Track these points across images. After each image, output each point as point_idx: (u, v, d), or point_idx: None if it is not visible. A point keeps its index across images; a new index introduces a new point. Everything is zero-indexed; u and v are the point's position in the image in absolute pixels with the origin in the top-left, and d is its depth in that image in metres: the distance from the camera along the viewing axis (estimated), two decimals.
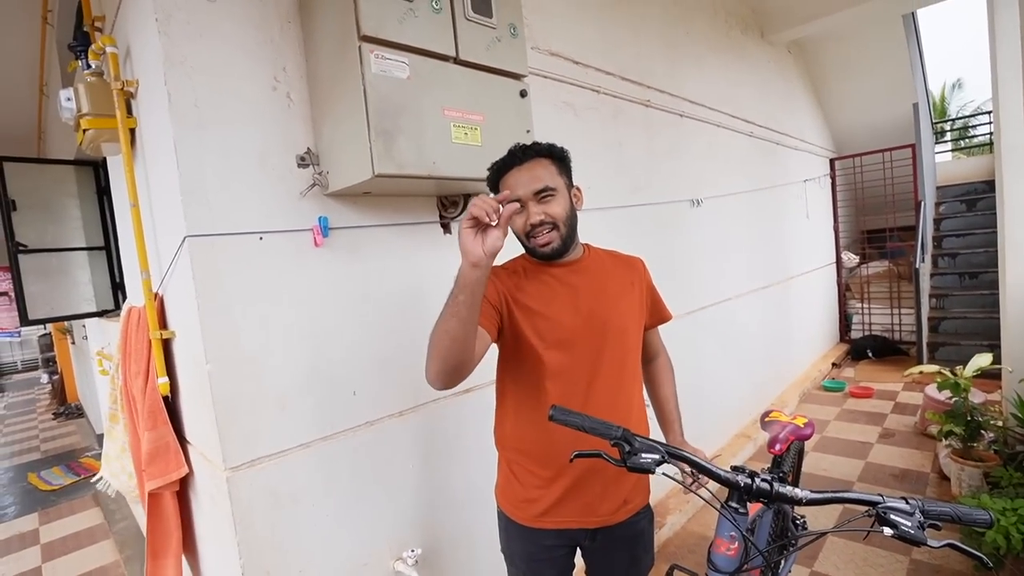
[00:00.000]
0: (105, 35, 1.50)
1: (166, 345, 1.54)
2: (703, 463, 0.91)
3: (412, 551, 1.60)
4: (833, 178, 5.92)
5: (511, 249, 1.26)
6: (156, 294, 1.54)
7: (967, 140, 10.42)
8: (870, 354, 5.46)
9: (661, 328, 1.43)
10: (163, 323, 1.53)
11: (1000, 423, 2.68)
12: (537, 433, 1.20)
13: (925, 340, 4.91)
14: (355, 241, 1.52)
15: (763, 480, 0.88)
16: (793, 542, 1.25)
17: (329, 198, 1.47)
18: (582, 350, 1.19)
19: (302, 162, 1.41)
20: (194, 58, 1.25)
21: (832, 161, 5.97)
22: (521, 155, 1.15)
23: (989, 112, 8.75)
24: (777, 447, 1.45)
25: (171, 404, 1.57)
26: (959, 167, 6.84)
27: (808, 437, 1.55)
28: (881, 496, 0.82)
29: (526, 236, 1.17)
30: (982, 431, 2.64)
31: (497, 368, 1.30)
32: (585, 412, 1.12)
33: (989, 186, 5.83)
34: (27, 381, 10.27)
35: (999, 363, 2.96)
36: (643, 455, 0.87)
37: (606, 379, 1.21)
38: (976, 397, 2.89)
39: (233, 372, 1.30)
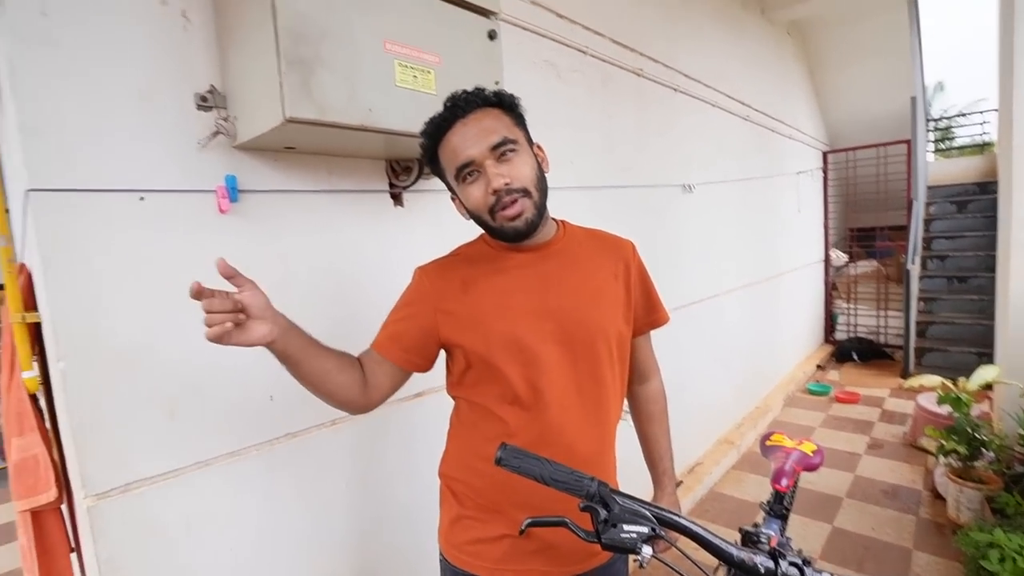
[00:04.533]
0: None
1: (36, 331, 1.22)
2: (711, 538, 0.64)
3: None
4: (825, 172, 5.73)
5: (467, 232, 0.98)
6: (21, 266, 1.22)
7: (948, 142, 10.42)
8: (855, 357, 5.32)
9: None
10: (31, 303, 1.22)
11: (998, 441, 2.49)
12: (487, 474, 0.93)
13: (913, 345, 4.77)
14: (274, 209, 1.22)
15: (791, 564, 0.62)
16: None
17: (241, 152, 1.16)
18: (549, 362, 0.92)
19: (203, 103, 1.10)
20: None
21: (825, 154, 5.78)
22: (464, 105, 0.86)
23: (981, 112, 8.68)
24: (783, 482, 1.19)
25: (53, 406, 1.25)
26: (949, 167, 6.71)
27: (816, 468, 1.30)
28: None
29: (489, 212, 0.88)
30: (983, 449, 2.46)
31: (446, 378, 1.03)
32: (549, 447, 0.86)
33: (980, 188, 5.70)
34: None
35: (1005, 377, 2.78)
36: (625, 527, 0.60)
37: (580, 401, 0.94)
38: (973, 411, 2.71)
39: (98, 370, 0.99)
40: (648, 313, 1.08)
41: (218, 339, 0.73)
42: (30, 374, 1.20)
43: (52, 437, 1.22)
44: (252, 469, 1.20)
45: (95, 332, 0.99)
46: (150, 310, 1.05)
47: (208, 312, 0.73)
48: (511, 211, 0.86)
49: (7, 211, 1.28)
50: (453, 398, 1.05)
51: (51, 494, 1.21)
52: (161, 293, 1.06)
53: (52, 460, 1.23)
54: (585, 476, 0.68)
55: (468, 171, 0.87)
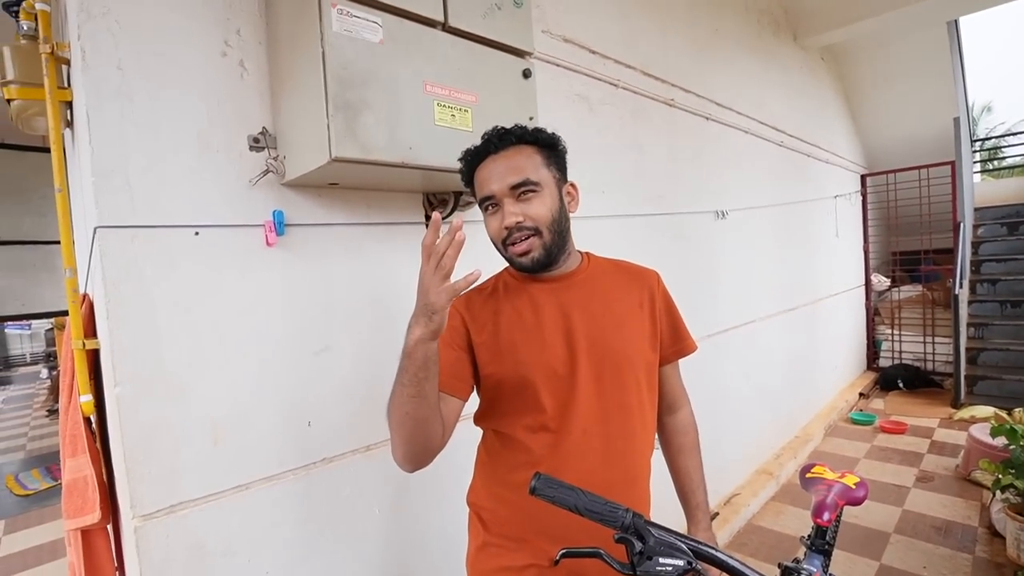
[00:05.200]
0: None
1: (95, 357, 1.30)
2: (749, 572, 0.63)
3: None
4: (864, 195, 5.58)
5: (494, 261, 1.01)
6: (84, 295, 1.30)
7: (997, 162, 10.04)
8: (900, 385, 5.09)
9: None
10: (91, 330, 1.30)
11: None
12: (514, 503, 0.93)
13: (963, 372, 4.53)
14: (318, 241, 1.27)
15: None
16: None
17: (288, 189, 1.22)
18: (578, 389, 0.93)
19: (255, 144, 1.17)
20: (120, 11, 1.02)
21: (863, 177, 5.63)
22: (498, 141, 0.92)
23: None
24: (825, 516, 1.15)
25: (105, 430, 1.32)
26: (996, 188, 6.46)
27: (861, 502, 1.24)
28: None
29: (502, 243, 0.94)
30: None
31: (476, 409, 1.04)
32: (578, 474, 0.86)
33: None
34: (31, 375, 10.22)
35: None
36: (661, 560, 0.60)
37: (605, 429, 0.94)
38: None
39: (152, 396, 1.05)
40: (675, 342, 1.08)
41: (449, 274, 0.74)
42: (86, 398, 1.27)
43: (102, 459, 1.29)
44: (289, 493, 1.24)
45: (150, 360, 1.05)
46: (201, 338, 1.11)
47: (449, 250, 0.74)
48: (519, 248, 0.92)
49: (73, 243, 1.37)
50: (478, 420, 1.07)
51: (95, 515, 1.27)
52: (211, 322, 1.12)
53: (100, 482, 1.29)
54: (620, 507, 0.68)
55: (490, 203, 0.93)
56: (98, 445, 1.30)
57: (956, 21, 4.98)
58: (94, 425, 1.30)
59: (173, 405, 1.07)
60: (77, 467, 1.28)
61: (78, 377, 1.27)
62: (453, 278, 0.76)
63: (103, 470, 1.28)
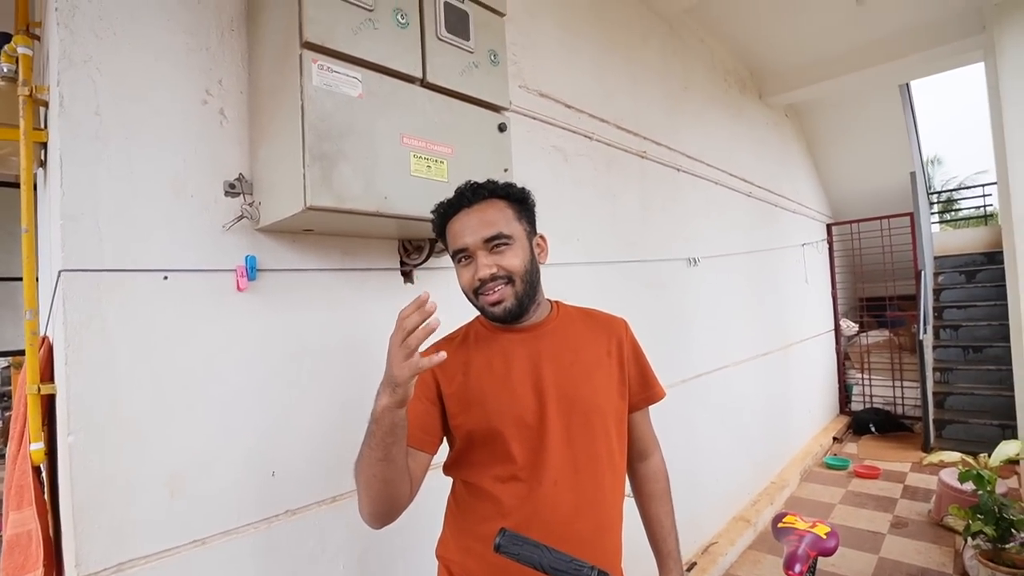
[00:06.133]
0: (19, 35, 1.30)
1: (50, 403, 1.25)
2: None
3: None
4: (830, 243, 5.81)
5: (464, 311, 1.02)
6: (43, 338, 1.26)
7: (953, 213, 10.58)
8: (872, 429, 5.15)
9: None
10: (48, 375, 1.25)
11: None
12: (483, 556, 0.91)
13: (931, 417, 4.62)
14: (290, 286, 1.27)
15: None
16: None
17: (262, 234, 1.23)
18: (544, 441, 0.93)
19: (231, 189, 1.18)
20: (101, 58, 1.04)
21: (829, 226, 5.87)
22: (471, 195, 0.94)
23: (982, 185, 8.85)
24: (797, 568, 1.15)
25: (55, 480, 1.25)
26: (954, 238, 6.78)
27: (832, 552, 1.25)
28: None
29: (474, 293, 0.95)
30: (1013, 530, 2.33)
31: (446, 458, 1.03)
32: (544, 526, 0.85)
33: (987, 258, 5.74)
34: None
35: None
36: None
37: (576, 479, 0.94)
38: (998, 487, 2.60)
39: (107, 444, 1.01)
40: (643, 389, 1.09)
41: (414, 351, 0.73)
42: (37, 446, 1.21)
43: (50, 512, 1.22)
44: (249, 547, 1.18)
45: (106, 406, 1.02)
46: (162, 385, 1.08)
47: (417, 328, 0.72)
48: (492, 297, 0.93)
49: (36, 283, 1.34)
50: (450, 477, 1.05)
51: (38, 574, 1.19)
52: (175, 368, 1.09)
53: (46, 537, 1.21)
54: (585, 565, 0.67)
55: (463, 255, 0.95)
56: (46, 497, 1.23)
57: (907, 84, 5.34)
58: (44, 475, 1.24)
59: (129, 455, 1.03)
60: (21, 521, 1.21)
61: (30, 423, 1.22)
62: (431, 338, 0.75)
63: (49, 524, 1.21)
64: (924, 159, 7.35)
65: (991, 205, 8.86)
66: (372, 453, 0.80)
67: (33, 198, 1.29)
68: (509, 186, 0.97)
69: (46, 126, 1.31)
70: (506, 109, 1.40)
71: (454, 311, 1.19)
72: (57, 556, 1.22)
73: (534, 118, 1.96)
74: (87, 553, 0.98)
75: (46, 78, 1.30)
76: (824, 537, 1.31)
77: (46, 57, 1.31)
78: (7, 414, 7.27)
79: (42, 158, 1.29)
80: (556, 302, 1.08)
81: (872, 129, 5.44)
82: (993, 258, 5.60)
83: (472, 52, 1.31)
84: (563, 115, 2.11)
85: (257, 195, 1.18)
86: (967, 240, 6.47)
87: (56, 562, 1.21)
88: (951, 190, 11.07)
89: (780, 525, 1.39)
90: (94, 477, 0.99)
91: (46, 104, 1.28)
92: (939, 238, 6.71)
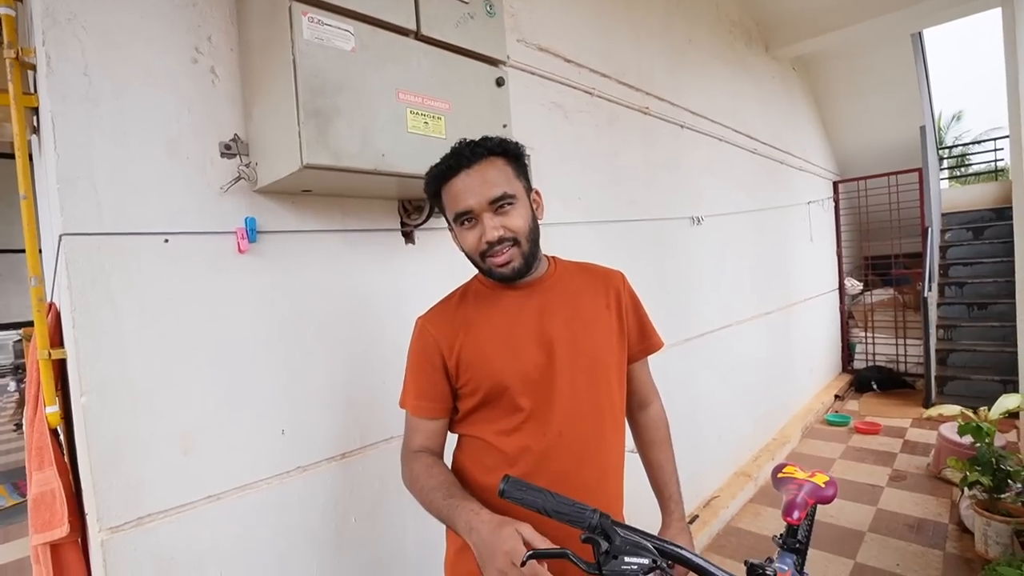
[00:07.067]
0: None
1: (61, 367, 1.27)
2: (714, 570, 0.65)
3: None
4: (836, 201, 5.73)
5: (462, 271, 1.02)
6: (50, 304, 1.27)
7: (963, 168, 10.36)
8: (874, 386, 5.21)
9: (652, 359, 1.17)
10: (58, 340, 1.27)
11: None
12: (490, 505, 0.94)
13: (934, 373, 4.66)
14: (291, 248, 1.27)
15: None
16: None
17: (260, 196, 1.22)
18: (546, 393, 0.95)
19: (227, 151, 1.17)
20: (86, 17, 1.01)
21: (835, 184, 5.78)
22: (469, 155, 0.91)
23: (994, 139, 8.63)
24: (795, 515, 1.17)
25: (73, 441, 1.29)
26: (963, 194, 6.67)
27: (830, 500, 1.27)
28: None
29: (480, 256, 0.94)
30: (1010, 480, 2.38)
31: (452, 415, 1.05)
32: (553, 474, 0.87)
33: (996, 214, 5.66)
34: None
35: None
36: (627, 559, 0.61)
37: (581, 431, 0.96)
38: (997, 440, 2.64)
39: (119, 405, 1.03)
40: (642, 340, 1.11)
41: None
42: (52, 409, 1.24)
43: (70, 471, 1.26)
44: (263, 503, 1.22)
45: (117, 368, 1.03)
46: (170, 346, 1.09)
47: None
48: (500, 259, 0.92)
49: (40, 252, 1.35)
50: (456, 433, 1.07)
51: (64, 529, 1.23)
52: (181, 330, 1.11)
53: (68, 494, 1.26)
54: (587, 508, 0.69)
55: (466, 217, 0.93)
56: (65, 457, 1.27)
57: (920, 33, 5.16)
58: (61, 437, 1.28)
59: (141, 414, 1.06)
60: (44, 480, 1.25)
61: (44, 388, 1.24)
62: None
63: (71, 482, 1.25)
64: (946, 114, 7.15)
65: (1002, 160, 8.67)
66: (428, 509, 0.93)
67: (30, 167, 1.28)
68: (505, 142, 0.95)
69: (36, 90, 1.29)
70: (503, 63, 1.36)
71: (457, 271, 1.19)
72: (80, 512, 1.26)
73: (532, 73, 1.91)
74: (107, 508, 1.01)
75: (32, 39, 1.27)
76: (823, 486, 1.34)
77: (30, 17, 1.27)
78: (22, 385, 7.44)
79: (35, 124, 1.28)
80: (552, 257, 1.08)
81: (883, 82, 5.28)
82: (1002, 214, 5.53)
83: (467, 3, 1.26)
84: (562, 70, 2.06)
85: (253, 155, 1.17)
86: (976, 196, 6.37)
87: (79, 517, 1.26)
88: (963, 144, 10.81)
89: (779, 475, 1.41)
90: (109, 436, 1.02)
91: (34, 67, 1.26)
92: (947, 194, 6.61)
